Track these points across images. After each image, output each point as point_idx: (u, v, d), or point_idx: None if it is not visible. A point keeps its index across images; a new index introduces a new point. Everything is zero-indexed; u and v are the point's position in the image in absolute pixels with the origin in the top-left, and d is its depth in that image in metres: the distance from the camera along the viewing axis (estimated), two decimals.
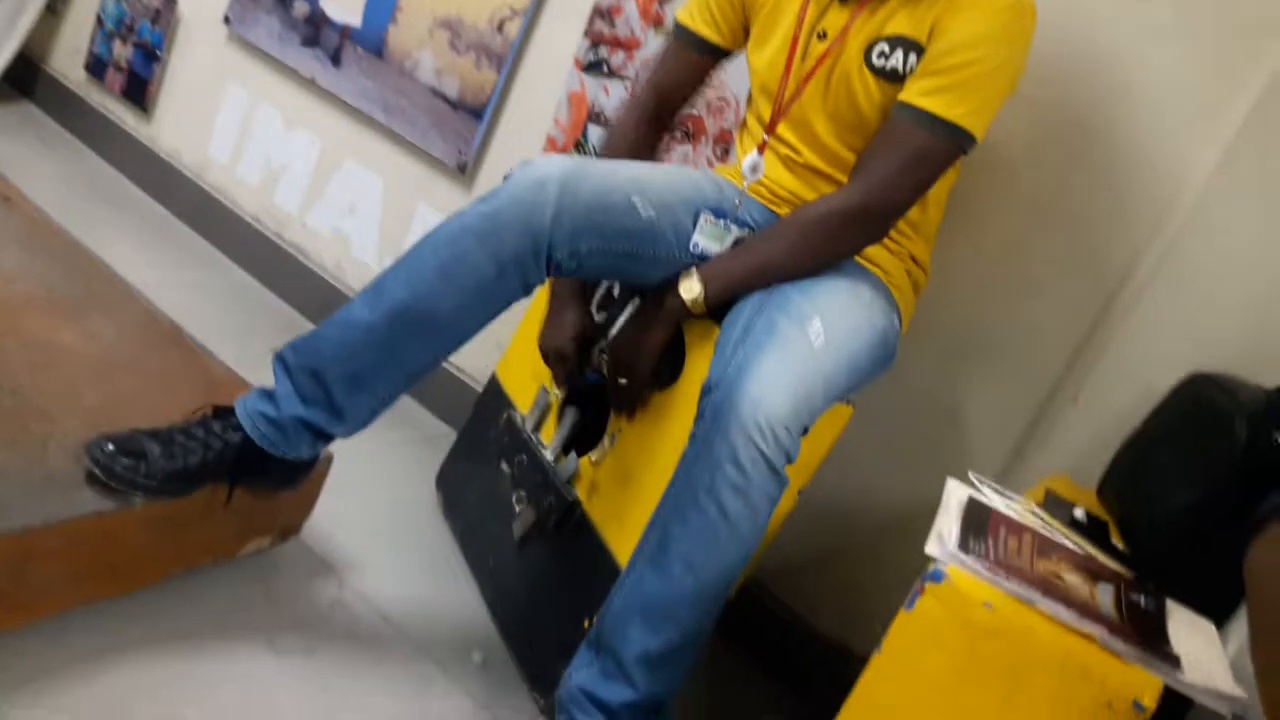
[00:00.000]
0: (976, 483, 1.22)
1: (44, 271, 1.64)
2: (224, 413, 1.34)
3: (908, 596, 1.02)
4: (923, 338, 1.62)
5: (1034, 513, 1.21)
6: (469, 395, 2.02)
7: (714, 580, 1.24)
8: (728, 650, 1.75)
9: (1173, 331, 1.51)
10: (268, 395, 1.34)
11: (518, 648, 1.56)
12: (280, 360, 1.35)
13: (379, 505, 1.80)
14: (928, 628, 1.00)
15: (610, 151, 1.54)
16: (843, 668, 1.81)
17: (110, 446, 1.24)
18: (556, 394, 1.67)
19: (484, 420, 1.83)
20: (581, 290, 1.56)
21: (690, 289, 1.37)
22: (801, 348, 1.25)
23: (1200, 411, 1.29)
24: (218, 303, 2.22)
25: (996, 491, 1.23)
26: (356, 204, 2.27)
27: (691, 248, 1.41)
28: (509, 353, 1.85)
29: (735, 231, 1.42)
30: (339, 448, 1.50)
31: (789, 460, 1.22)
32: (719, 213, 1.42)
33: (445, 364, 2.15)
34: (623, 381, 1.45)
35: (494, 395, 1.83)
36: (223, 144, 2.48)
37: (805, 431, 1.24)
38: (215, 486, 1.33)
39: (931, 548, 1.04)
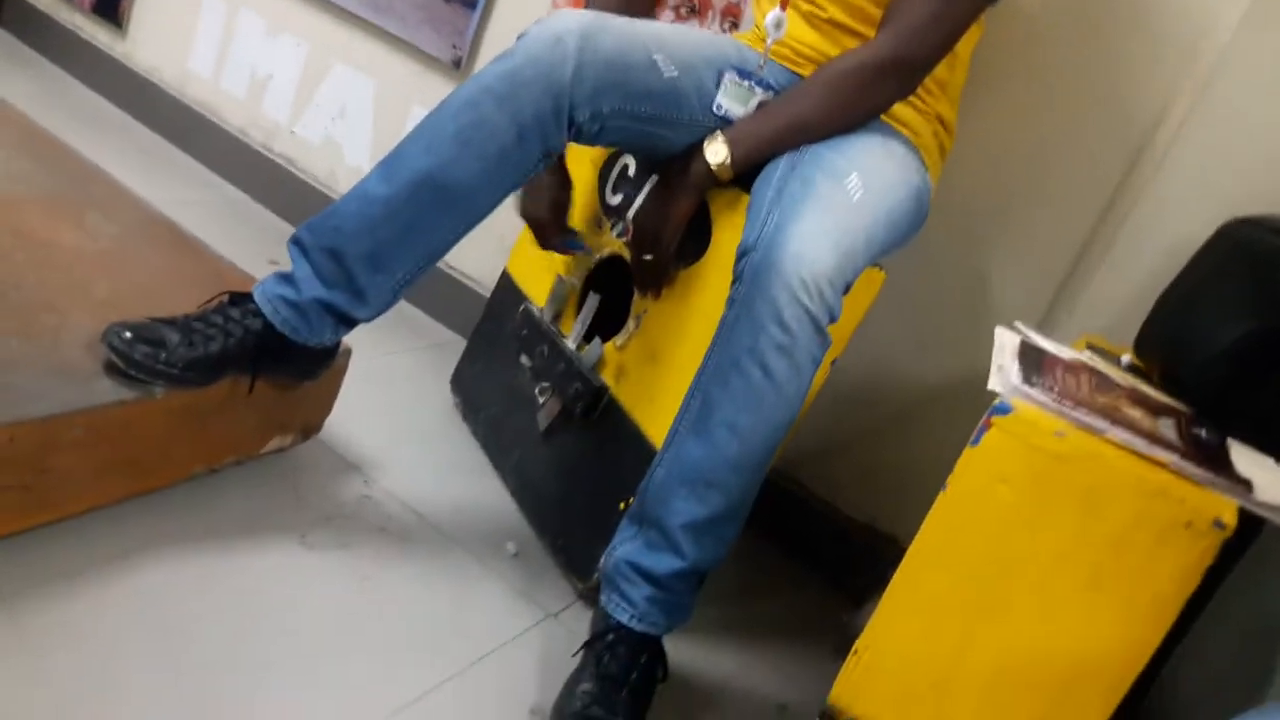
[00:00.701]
0: (1024, 331, 1.19)
1: (39, 176, 1.57)
2: (242, 299, 1.29)
3: (972, 434, 0.99)
4: (948, 204, 1.59)
5: (1086, 356, 1.18)
6: (473, 299, 1.98)
7: (759, 444, 1.21)
8: (754, 538, 1.73)
9: (1205, 181, 1.48)
10: (286, 279, 1.29)
11: (551, 537, 1.54)
12: (296, 242, 1.30)
13: (395, 410, 1.76)
14: (996, 461, 0.97)
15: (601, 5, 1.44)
16: (870, 548, 1.82)
17: (128, 334, 1.19)
18: (574, 283, 1.63)
19: (498, 317, 1.79)
20: (562, 164, 1.51)
21: (716, 153, 1.32)
22: (841, 201, 1.21)
23: (1246, 252, 1.25)
24: (209, 220, 2.14)
25: (1044, 339, 1.20)
26: (347, 109, 2.20)
27: (715, 109, 1.36)
28: (519, 246, 1.80)
29: (760, 94, 1.37)
30: (353, 355, 1.46)
31: (832, 318, 1.19)
32: (743, 73, 1.36)
33: (447, 268, 2.15)
34: (647, 257, 1.40)
35: (507, 291, 1.79)
36: (203, 56, 2.39)
37: (848, 288, 1.21)
38: (237, 377, 1.29)
39: (994, 383, 1.01)
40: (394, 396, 1.80)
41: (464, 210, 1.29)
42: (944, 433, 1.74)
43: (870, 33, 1.36)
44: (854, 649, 1.07)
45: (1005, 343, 1.13)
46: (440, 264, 2.10)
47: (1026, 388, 1.00)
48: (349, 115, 2.20)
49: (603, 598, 1.28)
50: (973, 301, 1.69)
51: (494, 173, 1.27)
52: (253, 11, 2.30)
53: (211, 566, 1.25)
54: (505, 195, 1.31)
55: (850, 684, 1.06)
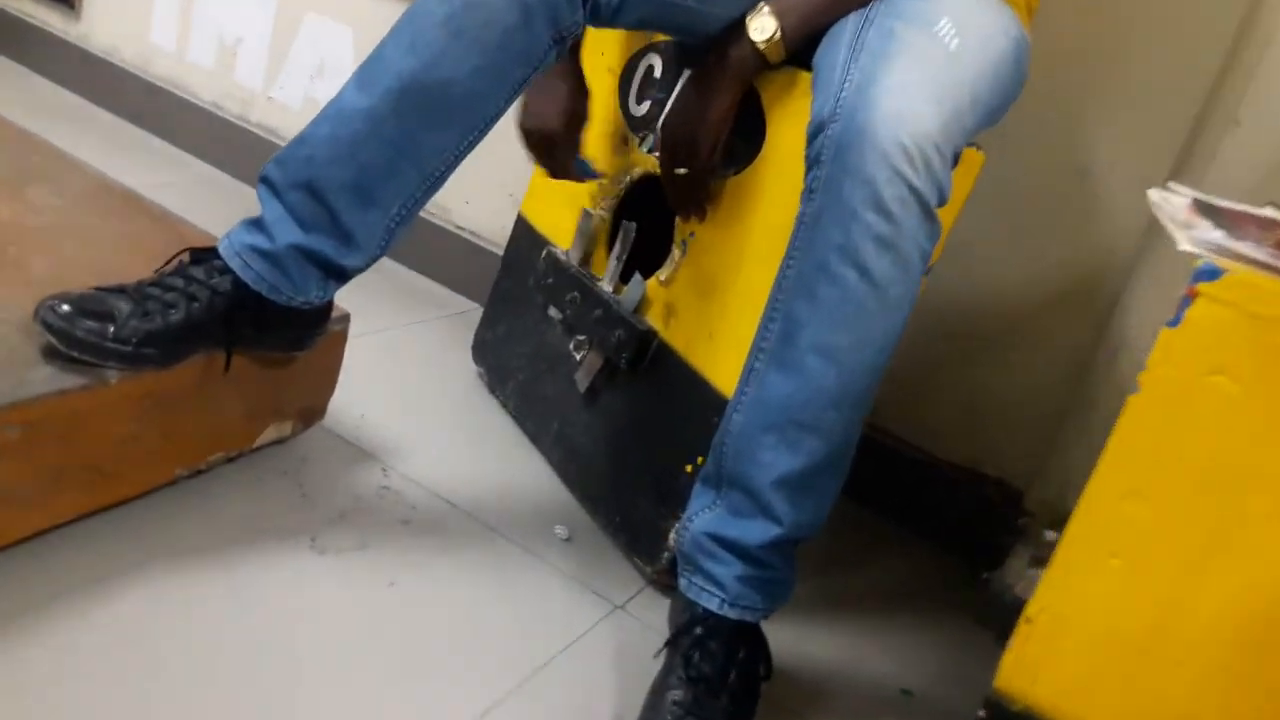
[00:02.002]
0: (1185, 190, 0.94)
1: None
2: (205, 256, 1.05)
3: (1172, 313, 0.74)
4: (1038, 74, 1.33)
5: (1270, 211, 0.92)
6: (488, 261, 1.73)
7: (862, 368, 0.96)
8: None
9: None
10: (256, 225, 1.05)
11: (607, 515, 1.30)
12: (265, 181, 1.06)
13: (411, 386, 1.53)
14: (1206, 344, 0.72)
15: None
16: (980, 496, 1.58)
17: (66, 307, 0.95)
18: (602, 214, 1.38)
19: (518, 268, 1.54)
20: (575, 63, 1.25)
21: (762, 28, 1.07)
22: (935, 50, 0.96)
23: None
24: (186, 202, 1.87)
25: (1210, 197, 0.95)
26: (325, 63, 1.96)
27: None
28: (534, 185, 1.55)
29: None
30: (352, 332, 1.22)
31: (942, 198, 0.94)
32: None
33: (455, 229, 1.91)
34: (680, 171, 1.15)
35: (524, 238, 1.54)
36: (165, 28, 2.15)
37: (956, 159, 0.96)
38: (209, 352, 1.05)
39: (1185, 244, 0.76)
40: (409, 372, 1.57)
41: (463, 118, 1.04)
42: (1052, 353, 1.51)
43: None
44: (1023, 617, 0.82)
45: (1173, 204, 0.88)
46: (449, 224, 1.92)
47: (1230, 242, 0.75)
48: (328, 71, 1.96)
49: (681, 581, 1.04)
50: (1073, 188, 1.44)
51: (495, 67, 1.02)
52: None
53: (204, 586, 1.02)
54: (513, 96, 1.06)
55: (1023, 663, 0.81)
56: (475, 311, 1.73)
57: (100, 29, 2.25)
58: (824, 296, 0.94)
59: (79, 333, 0.95)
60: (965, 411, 1.55)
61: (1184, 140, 1.35)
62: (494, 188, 1.82)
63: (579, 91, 1.23)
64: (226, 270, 1.04)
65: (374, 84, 1.02)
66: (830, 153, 0.93)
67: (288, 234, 1.03)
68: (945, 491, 1.56)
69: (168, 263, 1.06)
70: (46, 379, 0.94)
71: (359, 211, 1.05)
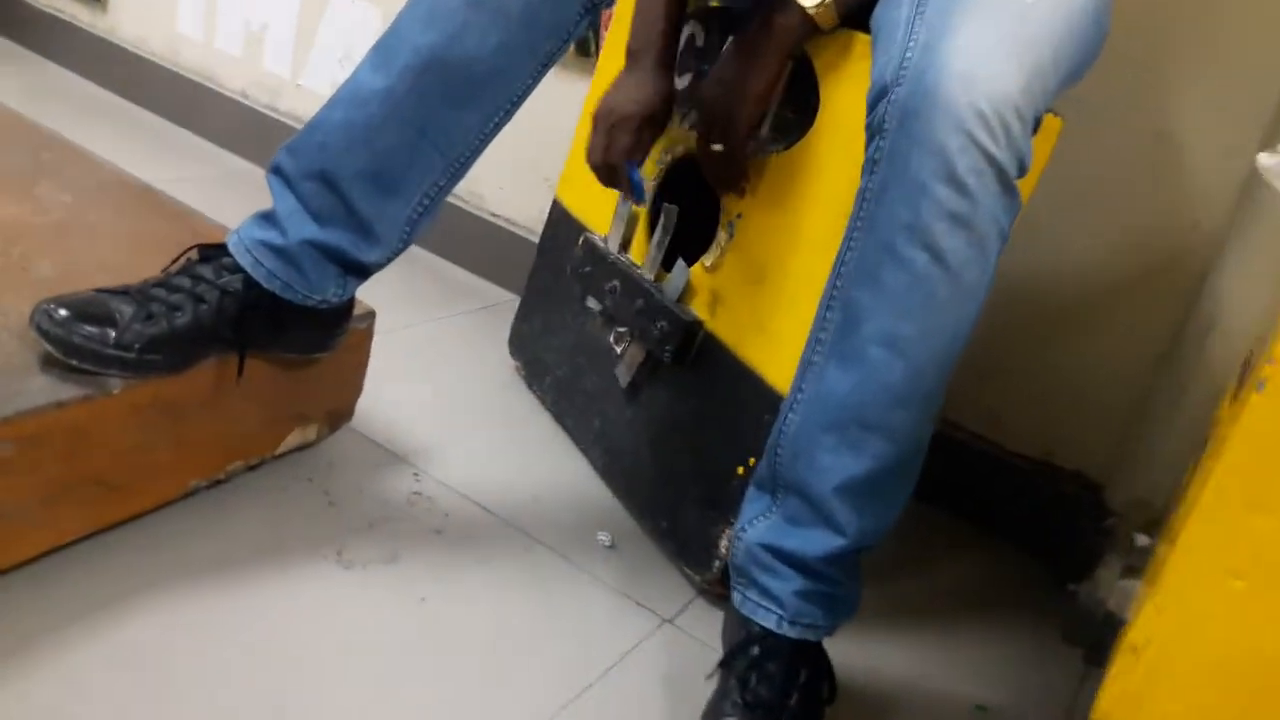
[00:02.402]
0: None
1: None
2: (214, 254, 0.98)
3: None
4: (1113, 40, 1.21)
5: None
6: (525, 250, 1.65)
7: (932, 360, 0.86)
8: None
9: None
10: (268, 219, 0.98)
11: (653, 520, 1.21)
12: (276, 172, 0.99)
13: (444, 383, 1.45)
14: None
15: None
16: (1055, 492, 1.47)
17: (63, 312, 0.89)
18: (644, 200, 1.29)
19: (554, 257, 1.46)
20: (669, 57, 1.16)
21: None
22: (1010, 4, 0.85)
23: None
24: (211, 196, 1.82)
25: None
26: (353, 48, 1.89)
27: None
28: (569, 168, 1.46)
29: None
30: (382, 327, 1.15)
31: (1023, 168, 0.83)
32: None
33: (490, 217, 1.82)
34: (716, 147, 1.05)
35: (561, 225, 1.46)
36: (191, 17, 2.10)
37: (1037, 125, 0.85)
38: (221, 356, 0.98)
39: None
40: (441, 368, 1.49)
41: (488, 96, 0.96)
42: (1133, 334, 1.39)
43: None
44: (1126, 643, 0.71)
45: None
46: (480, 210, 1.84)
47: None
48: (356, 56, 1.86)
49: (735, 596, 0.95)
50: (1153, 155, 1.32)
51: (521, 40, 0.94)
52: None
53: (221, 606, 0.95)
54: (541, 71, 0.98)
55: (1127, 696, 0.71)
56: (511, 302, 1.65)
57: (127, 21, 2.20)
58: (890, 282, 0.84)
59: (77, 339, 0.88)
60: (1037, 399, 1.44)
61: (1278, 100, 1.22)
62: (528, 172, 1.74)
63: (666, 91, 1.14)
64: (237, 268, 0.96)
65: (390, 62, 0.94)
66: (895, 120, 0.82)
67: (301, 228, 0.96)
68: (1017, 486, 1.45)
69: (174, 261, 0.99)
70: (43, 390, 0.87)
71: (378, 202, 0.97)
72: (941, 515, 1.43)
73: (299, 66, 1.97)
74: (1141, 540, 1.03)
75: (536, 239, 1.55)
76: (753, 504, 0.97)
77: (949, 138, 0.79)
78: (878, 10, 0.95)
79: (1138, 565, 0.98)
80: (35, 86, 2.20)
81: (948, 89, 0.79)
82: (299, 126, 1.90)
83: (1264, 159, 0.81)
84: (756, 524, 0.95)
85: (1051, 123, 1.01)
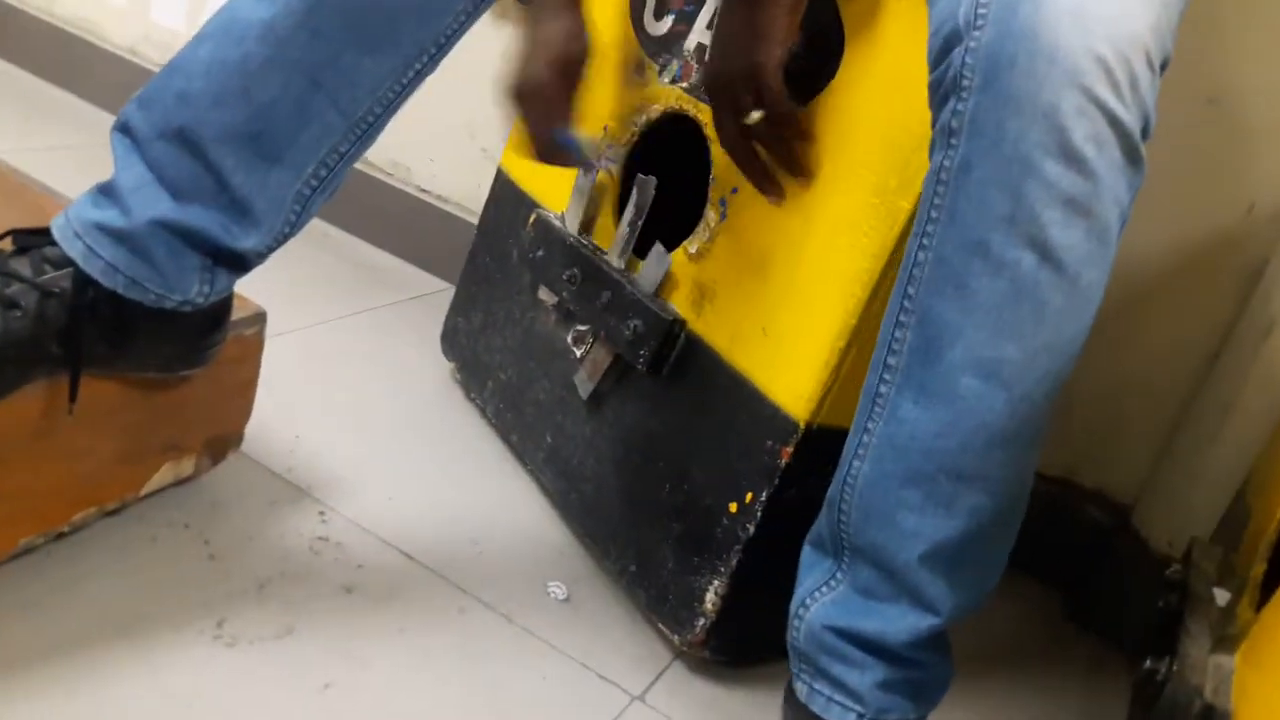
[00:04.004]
0: None
1: None
2: (34, 243, 0.73)
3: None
4: None
5: None
6: (462, 231, 1.42)
7: (1041, 387, 0.68)
8: None
9: None
10: (107, 193, 0.74)
11: (618, 561, 0.99)
12: (122, 129, 0.75)
13: (359, 393, 1.21)
14: None
15: None
16: (1074, 515, 1.28)
17: None
18: (609, 166, 1.06)
19: (498, 237, 1.23)
20: None
21: None
22: None
23: None
24: (92, 166, 1.58)
25: None
26: None
27: None
28: (516, 132, 1.22)
29: None
30: (282, 325, 0.91)
31: (1149, 131, 0.63)
32: None
33: (419, 193, 1.59)
34: (756, 116, 0.80)
35: (506, 200, 1.22)
36: None
37: (1163, 70, 0.64)
38: (50, 378, 0.73)
39: None
40: (357, 375, 1.25)
41: (407, 32, 0.74)
42: (1170, 336, 1.20)
43: None
44: None
45: None
46: (407, 185, 1.60)
47: None
48: None
49: (800, 687, 0.76)
50: (1200, 130, 1.13)
51: None
52: None
53: (69, 702, 0.71)
54: (478, 8, 0.75)
55: None
56: (444, 293, 1.41)
57: None
58: (984, 291, 0.64)
59: None
60: (1060, 411, 1.24)
61: None
62: (464, 140, 1.50)
63: (572, 32, 0.89)
64: (65, 261, 0.72)
65: None
66: (979, 75, 0.61)
67: (151, 204, 0.72)
68: (1031, 509, 1.25)
69: None
70: None
71: (258, 172, 0.73)
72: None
73: (195, 18, 1.71)
74: (1220, 596, 0.84)
75: (474, 219, 1.32)
76: (812, 570, 0.77)
77: (1063, 96, 0.59)
78: None
79: (1231, 635, 0.78)
80: None
81: (1055, 28, 0.58)
82: None
83: None
84: (820, 598, 0.75)
85: None
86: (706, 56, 0.88)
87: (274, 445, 1.02)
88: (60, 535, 0.83)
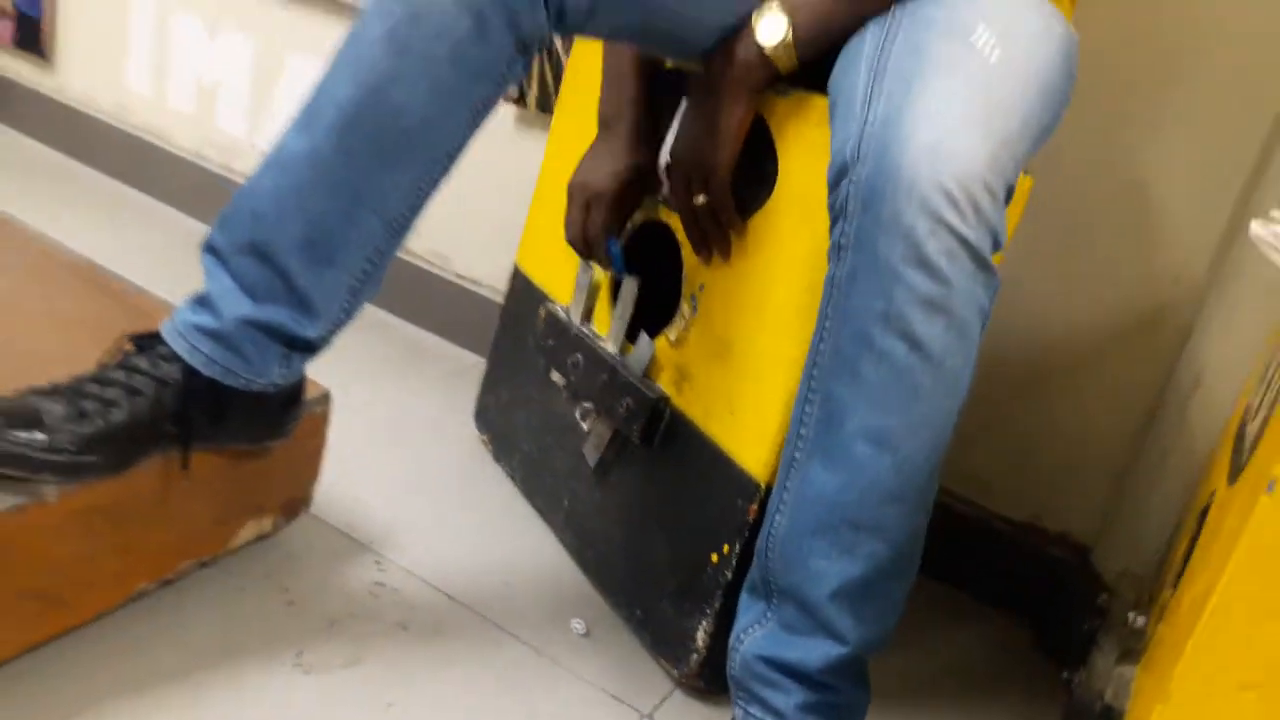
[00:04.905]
0: None
1: None
2: (149, 343, 0.92)
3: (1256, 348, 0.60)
4: (1082, 84, 1.18)
5: None
6: (492, 310, 1.60)
7: (922, 453, 0.82)
8: None
9: None
10: (201, 302, 0.92)
11: (627, 607, 1.16)
12: (209, 250, 0.92)
13: (408, 460, 1.39)
14: None
15: None
16: (1038, 554, 1.43)
17: None
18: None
19: (517, 327, 1.41)
20: (642, 123, 1.12)
21: (771, 28, 0.92)
22: (975, 65, 0.82)
23: None
24: (167, 262, 1.79)
25: None
26: None
27: None
28: (528, 233, 1.42)
29: None
30: (344, 402, 1.09)
31: (997, 244, 0.80)
32: None
33: (456, 278, 1.78)
34: (702, 199, 1.01)
35: (522, 294, 1.41)
36: (140, 73, 2.04)
37: (1010, 195, 0.82)
38: (164, 452, 0.92)
39: None
40: (406, 442, 1.43)
41: (421, 150, 0.90)
42: (1115, 393, 1.35)
43: None
44: None
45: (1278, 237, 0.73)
46: (445, 271, 1.79)
47: None
48: None
49: (737, 711, 0.91)
50: (1131, 211, 1.29)
51: (451, 86, 0.87)
52: (186, 12, 1.95)
53: (181, 718, 0.88)
54: (476, 119, 0.92)
55: None
56: (478, 365, 1.60)
57: (75, 78, 2.14)
58: (868, 374, 0.80)
59: (7, 446, 0.82)
60: (1023, 462, 1.40)
61: (1260, 147, 1.20)
62: (495, 232, 1.69)
63: (640, 165, 1.09)
64: (174, 357, 0.90)
65: (315, 121, 0.88)
66: (859, 202, 0.79)
67: (237, 308, 0.90)
68: (1003, 550, 1.41)
69: (107, 352, 0.93)
70: None
71: (316, 272, 0.91)
72: (928, 580, 1.38)
73: (256, 125, 1.92)
74: (1136, 620, 1.00)
75: (499, 297, 1.51)
76: (747, 611, 0.92)
77: (917, 220, 0.75)
78: (835, 73, 0.92)
79: (1134, 648, 0.94)
80: None
81: (911, 168, 0.75)
82: None
83: (1256, 228, 0.78)
84: (753, 633, 0.90)
85: (1022, 183, 0.97)
86: (669, 155, 1.06)
87: (337, 505, 1.20)
88: (166, 582, 1.01)
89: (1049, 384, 1.37)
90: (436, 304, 1.76)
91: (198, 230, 1.94)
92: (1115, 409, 1.34)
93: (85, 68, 2.12)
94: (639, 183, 1.12)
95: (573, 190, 1.13)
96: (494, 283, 1.73)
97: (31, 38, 2.14)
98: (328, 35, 1.79)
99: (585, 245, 1.16)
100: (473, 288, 1.75)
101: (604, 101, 1.15)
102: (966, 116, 0.77)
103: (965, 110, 0.78)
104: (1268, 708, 0.63)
